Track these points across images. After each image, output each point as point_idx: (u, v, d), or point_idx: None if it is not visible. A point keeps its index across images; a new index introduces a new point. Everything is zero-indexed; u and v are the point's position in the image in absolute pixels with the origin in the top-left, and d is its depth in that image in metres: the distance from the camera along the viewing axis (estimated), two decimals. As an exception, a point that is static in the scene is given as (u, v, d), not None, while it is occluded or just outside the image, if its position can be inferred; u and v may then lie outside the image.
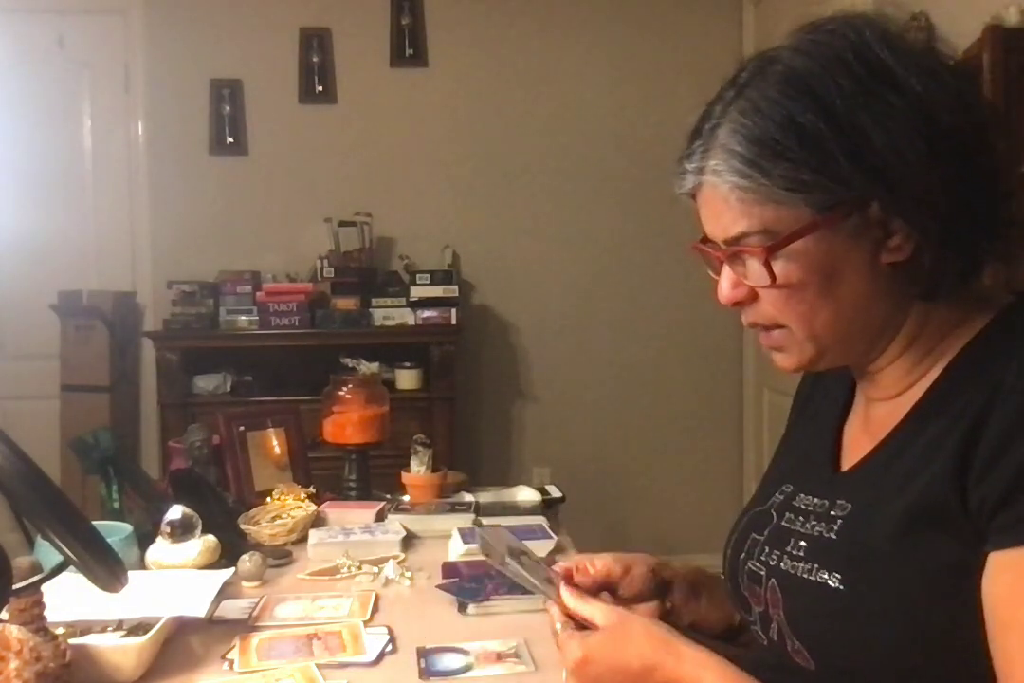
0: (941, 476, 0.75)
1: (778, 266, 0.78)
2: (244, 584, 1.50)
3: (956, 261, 0.79)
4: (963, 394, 0.77)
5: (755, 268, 0.81)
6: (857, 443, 0.90)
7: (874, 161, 0.75)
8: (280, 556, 1.64)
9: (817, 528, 0.86)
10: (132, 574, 1.02)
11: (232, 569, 1.48)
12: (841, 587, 0.80)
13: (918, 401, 0.83)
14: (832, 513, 0.85)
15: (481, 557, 1.59)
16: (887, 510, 0.79)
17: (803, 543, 0.87)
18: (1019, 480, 0.69)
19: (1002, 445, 0.71)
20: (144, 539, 1.55)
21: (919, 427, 0.81)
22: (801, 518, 0.89)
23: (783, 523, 0.91)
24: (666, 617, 1.02)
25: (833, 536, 0.84)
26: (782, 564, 0.87)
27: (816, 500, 0.88)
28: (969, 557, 0.73)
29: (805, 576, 0.84)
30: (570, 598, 0.92)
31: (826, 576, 0.82)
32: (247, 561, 1.51)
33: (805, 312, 0.79)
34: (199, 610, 1.27)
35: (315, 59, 4.10)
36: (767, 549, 0.91)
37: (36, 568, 1.08)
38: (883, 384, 0.87)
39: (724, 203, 0.79)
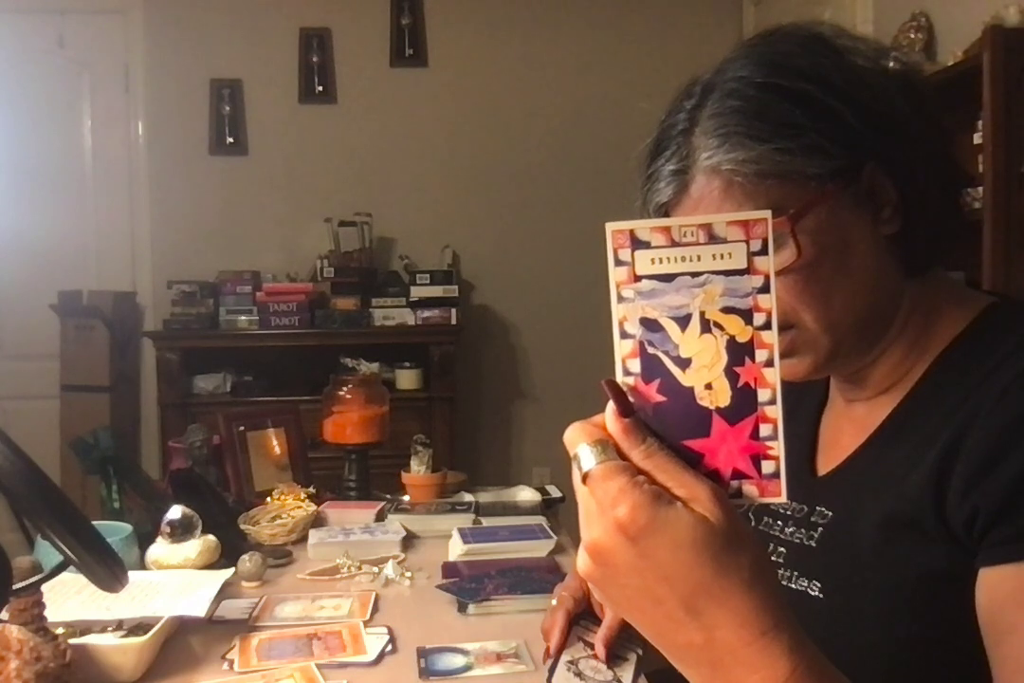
0: (920, 486, 0.74)
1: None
2: (244, 584, 1.50)
3: (936, 233, 0.81)
4: (945, 400, 0.76)
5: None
6: (834, 445, 0.89)
7: (871, 117, 0.75)
8: (280, 556, 1.64)
9: (797, 535, 0.86)
10: (132, 574, 1.02)
11: (232, 569, 1.48)
12: (821, 596, 0.80)
13: (899, 404, 0.82)
14: (812, 519, 0.85)
15: (481, 557, 1.60)
16: (866, 518, 0.78)
17: (782, 549, 0.87)
18: (1018, 493, 0.67)
19: (993, 457, 0.69)
20: (144, 539, 1.55)
21: (899, 431, 0.80)
22: (780, 522, 0.88)
23: (760, 527, 0.90)
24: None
25: (813, 544, 0.84)
26: None
27: (795, 504, 0.88)
28: (948, 566, 0.72)
29: (785, 583, 0.84)
30: (633, 431, 0.55)
31: (806, 584, 0.82)
32: (247, 561, 1.51)
33: (823, 293, 0.77)
34: (199, 610, 1.27)
35: (315, 59, 4.10)
36: None
37: (36, 568, 1.08)
38: (866, 383, 0.86)
39: (723, 193, 0.77)
